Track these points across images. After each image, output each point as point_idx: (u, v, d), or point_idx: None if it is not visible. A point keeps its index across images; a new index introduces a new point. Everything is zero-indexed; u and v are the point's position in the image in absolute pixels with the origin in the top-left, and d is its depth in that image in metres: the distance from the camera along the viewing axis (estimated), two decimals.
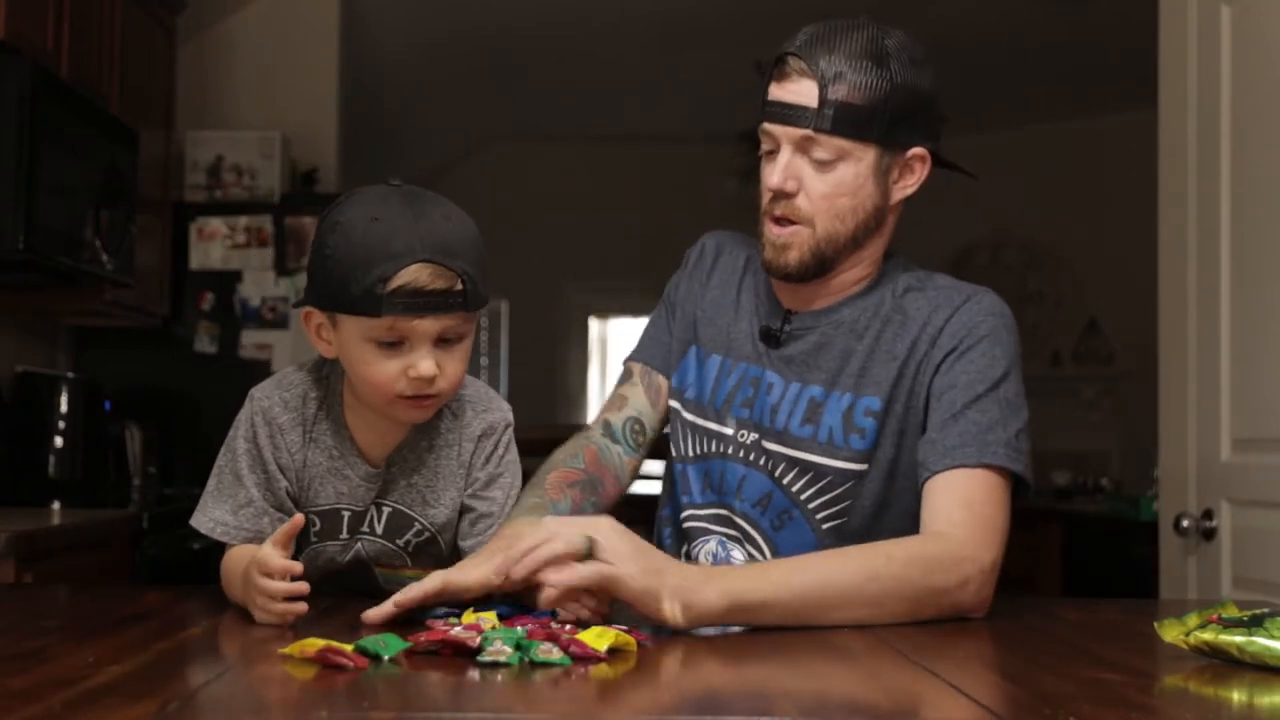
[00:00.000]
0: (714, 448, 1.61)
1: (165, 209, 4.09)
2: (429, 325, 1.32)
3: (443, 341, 1.35)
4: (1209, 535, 2.39)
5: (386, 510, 1.45)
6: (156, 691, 0.98)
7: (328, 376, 1.46)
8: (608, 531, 1.24)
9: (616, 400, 1.69)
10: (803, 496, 1.55)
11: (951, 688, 1.02)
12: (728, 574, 1.30)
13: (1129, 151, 4.91)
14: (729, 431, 1.60)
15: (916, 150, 1.54)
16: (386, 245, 1.30)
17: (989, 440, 1.45)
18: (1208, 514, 2.40)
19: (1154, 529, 2.67)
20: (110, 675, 1.01)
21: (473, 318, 1.38)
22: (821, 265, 1.54)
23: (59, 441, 3.45)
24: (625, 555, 1.23)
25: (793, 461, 1.56)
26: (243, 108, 4.54)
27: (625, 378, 1.71)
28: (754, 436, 1.58)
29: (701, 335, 1.66)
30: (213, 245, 4.19)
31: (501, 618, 1.18)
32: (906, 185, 1.56)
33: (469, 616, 1.18)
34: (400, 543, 1.45)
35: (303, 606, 1.26)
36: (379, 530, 1.45)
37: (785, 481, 1.56)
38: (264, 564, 1.26)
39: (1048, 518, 5.18)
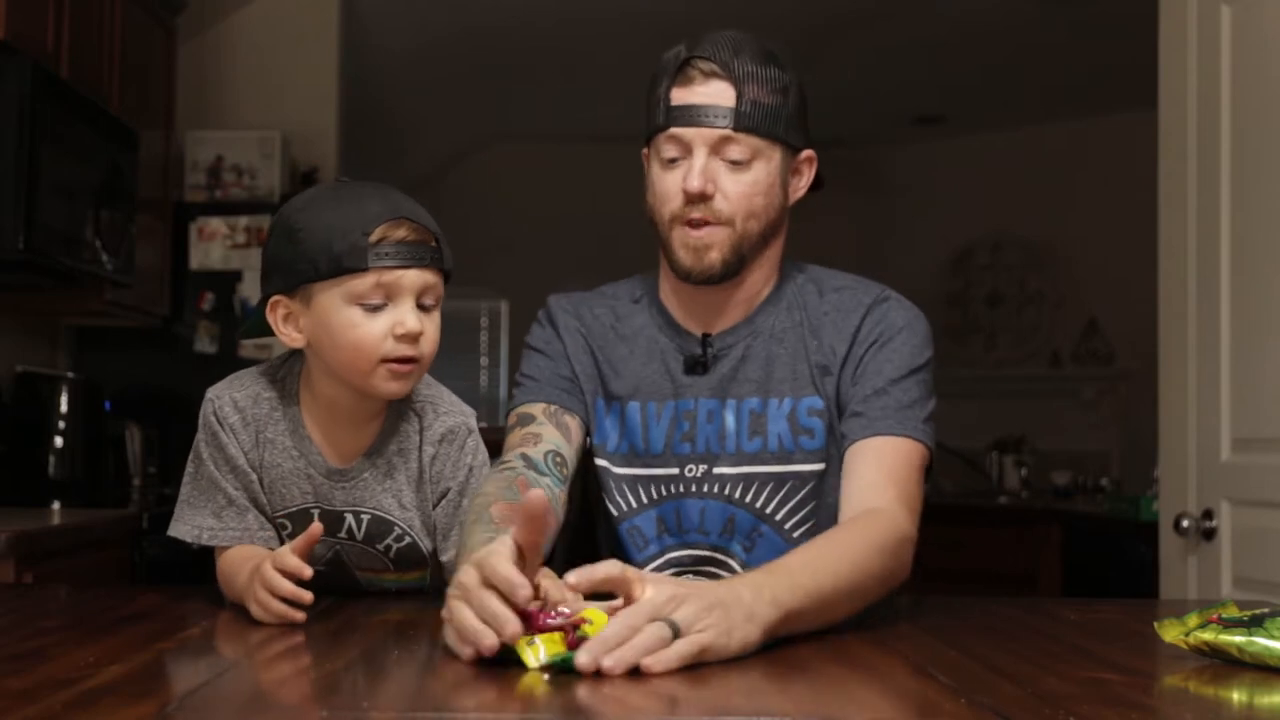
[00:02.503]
0: (665, 490, 1.59)
1: (165, 209, 4.09)
2: (413, 278, 1.35)
3: (420, 307, 1.37)
4: (1209, 535, 2.39)
5: (366, 517, 1.44)
6: (156, 691, 0.99)
7: (284, 379, 1.45)
8: (688, 600, 1.09)
9: (527, 438, 1.54)
10: (768, 510, 1.56)
11: (952, 687, 1.02)
12: (773, 594, 1.17)
13: (1129, 151, 4.91)
14: (674, 471, 1.59)
15: (807, 152, 1.58)
16: (361, 209, 1.34)
17: (909, 416, 1.51)
18: (1208, 514, 2.40)
19: (1154, 529, 2.67)
20: (110, 675, 1.01)
21: (443, 283, 1.40)
22: (740, 263, 1.54)
23: (59, 441, 3.45)
24: (701, 616, 1.08)
25: (750, 478, 1.56)
26: (243, 108, 4.54)
27: (527, 420, 1.57)
28: (703, 468, 1.57)
29: (609, 387, 1.62)
30: (213, 245, 4.19)
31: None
32: (798, 188, 1.59)
33: (590, 613, 1.08)
34: (381, 547, 1.45)
35: (301, 615, 1.26)
36: (359, 536, 1.45)
37: (747, 500, 1.56)
38: (280, 559, 1.26)
39: (1048, 518, 5.18)
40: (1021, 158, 6.84)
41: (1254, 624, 1.10)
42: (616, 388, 1.62)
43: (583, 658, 1.02)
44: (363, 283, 1.33)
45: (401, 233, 1.34)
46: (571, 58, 5.82)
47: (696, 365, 1.59)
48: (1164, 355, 2.59)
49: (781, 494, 1.55)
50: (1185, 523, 2.43)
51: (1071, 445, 6.64)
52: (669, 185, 1.52)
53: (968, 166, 7.03)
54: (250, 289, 4.17)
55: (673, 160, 1.52)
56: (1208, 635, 1.12)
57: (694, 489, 1.58)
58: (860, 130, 6.83)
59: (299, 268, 1.35)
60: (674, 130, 1.50)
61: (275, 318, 1.40)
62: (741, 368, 1.57)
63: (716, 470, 1.57)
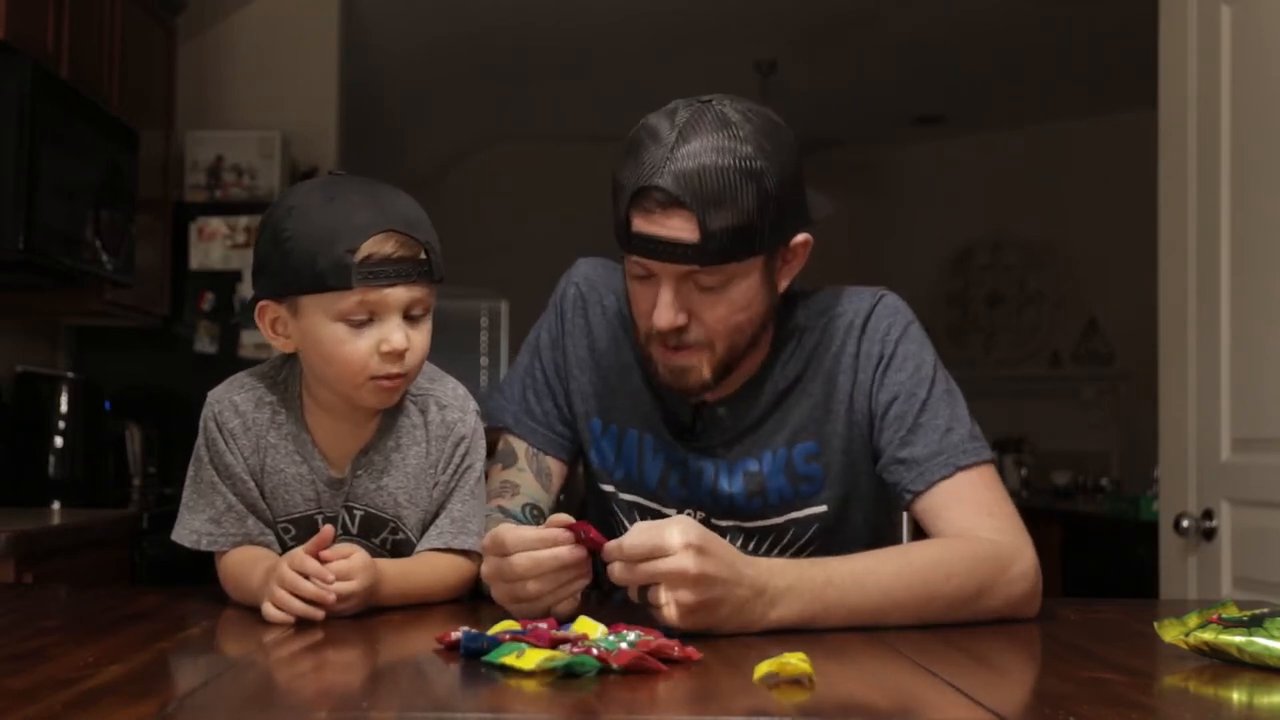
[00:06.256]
0: None
1: (165, 209, 4.09)
2: (400, 295, 1.32)
3: (408, 317, 1.34)
4: (1209, 535, 2.39)
5: (359, 513, 1.43)
6: (156, 691, 0.98)
7: (285, 380, 1.43)
8: (713, 540, 1.19)
9: (506, 488, 1.55)
10: (773, 556, 1.51)
11: (951, 688, 1.02)
12: (793, 593, 1.24)
13: (1129, 151, 4.91)
14: (671, 512, 1.53)
15: (800, 238, 1.44)
16: (349, 219, 1.30)
17: (953, 443, 1.45)
18: (1208, 514, 2.40)
19: (1154, 529, 2.67)
20: (110, 675, 1.01)
21: (434, 292, 1.37)
22: (726, 373, 1.45)
23: (59, 441, 3.45)
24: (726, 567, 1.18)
25: (751, 531, 1.53)
26: (243, 108, 4.54)
27: (510, 459, 1.57)
28: (701, 515, 1.53)
29: (608, 408, 1.56)
30: (213, 245, 4.19)
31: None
32: (792, 270, 1.47)
33: (581, 626, 1.12)
34: (376, 541, 1.44)
35: (321, 613, 1.26)
36: (353, 530, 1.44)
37: (750, 549, 1.52)
38: (300, 564, 1.26)
39: (1048, 518, 5.18)
40: (1021, 158, 6.84)
41: (1254, 624, 1.10)
42: (614, 409, 1.57)
43: (617, 569, 1.17)
44: (347, 301, 1.31)
45: (389, 248, 1.30)
46: (571, 58, 5.82)
47: (684, 432, 1.53)
48: (1164, 355, 2.59)
49: (785, 540, 1.53)
50: (1185, 523, 2.43)
51: (1071, 445, 6.64)
52: (641, 302, 1.43)
53: (968, 166, 7.03)
54: (250, 289, 4.17)
55: (642, 279, 1.42)
56: (1208, 635, 1.12)
57: None
58: (860, 130, 6.84)
59: (284, 278, 1.33)
60: (636, 258, 1.39)
61: (264, 323, 1.38)
62: (735, 434, 1.51)
63: (716, 522, 1.52)
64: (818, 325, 1.52)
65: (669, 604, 1.16)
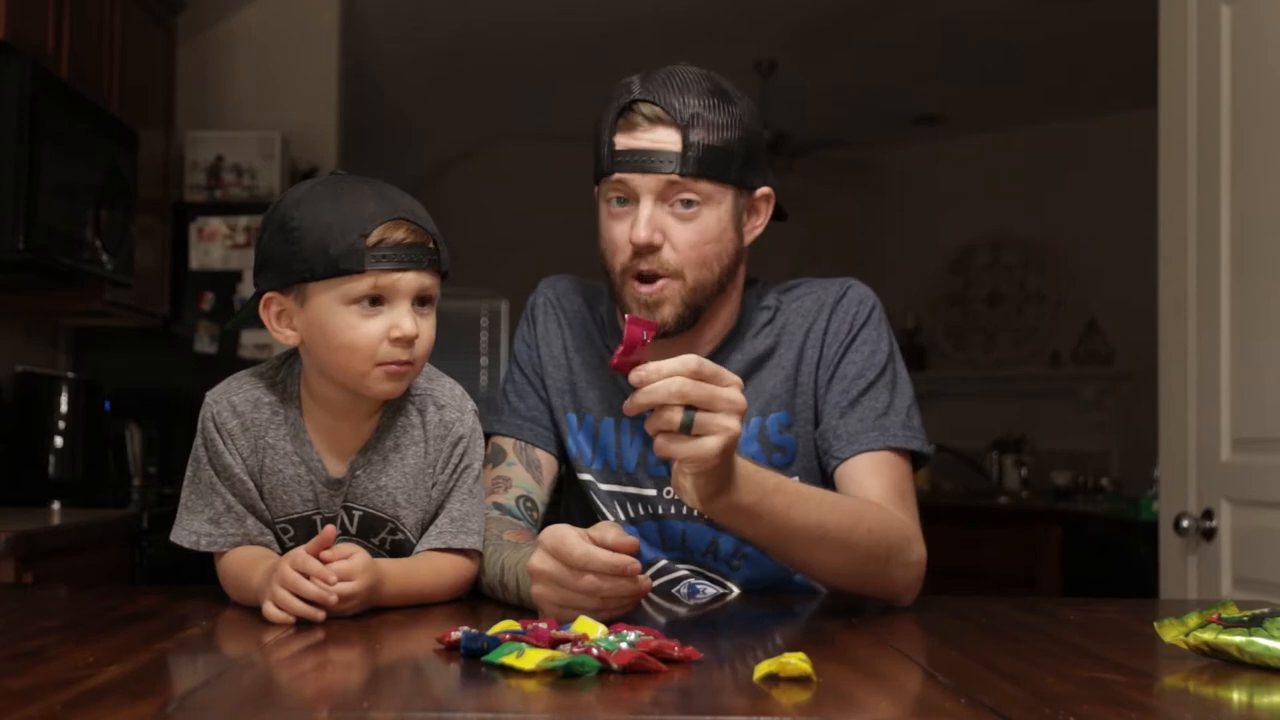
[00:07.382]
0: (643, 510, 1.58)
1: (165, 209, 4.09)
2: (411, 280, 1.34)
3: (418, 304, 1.36)
4: (1209, 535, 2.39)
5: (357, 514, 1.43)
6: (156, 691, 0.99)
7: (284, 380, 1.43)
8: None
9: (499, 484, 1.59)
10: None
11: (952, 687, 1.02)
12: (750, 480, 1.30)
13: (1129, 151, 4.91)
14: (651, 493, 1.57)
15: (763, 190, 1.54)
16: (359, 208, 1.33)
17: (886, 425, 1.52)
18: (1208, 514, 2.40)
19: (1154, 529, 2.67)
20: (110, 675, 1.01)
21: (440, 284, 1.39)
22: (695, 315, 1.51)
23: (59, 441, 3.45)
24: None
25: None
26: (243, 108, 4.54)
27: (499, 457, 1.61)
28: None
29: (582, 400, 1.61)
30: (213, 245, 4.19)
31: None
32: (755, 227, 1.56)
33: (581, 626, 1.11)
34: (375, 541, 1.44)
35: (321, 614, 1.26)
36: (352, 530, 1.44)
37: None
38: (301, 564, 1.26)
39: (1048, 518, 5.18)
40: (1021, 158, 6.84)
41: (1254, 624, 1.10)
42: (587, 401, 1.61)
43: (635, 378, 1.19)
44: (359, 285, 1.32)
45: (399, 234, 1.33)
46: (572, 57, 5.82)
47: None
48: (1164, 355, 2.59)
49: None
50: (1185, 523, 2.43)
51: (1071, 445, 6.64)
52: (617, 235, 1.49)
53: (968, 166, 7.03)
54: (250, 289, 4.16)
55: (621, 203, 1.48)
56: (1208, 635, 1.12)
57: (673, 511, 1.57)
58: (860, 130, 6.83)
59: (294, 267, 1.34)
60: (619, 176, 1.46)
61: (269, 315, 1.38)
62: None
63: None
64: (790, 306, 1.60)
65: (720, 434, 1.19)
